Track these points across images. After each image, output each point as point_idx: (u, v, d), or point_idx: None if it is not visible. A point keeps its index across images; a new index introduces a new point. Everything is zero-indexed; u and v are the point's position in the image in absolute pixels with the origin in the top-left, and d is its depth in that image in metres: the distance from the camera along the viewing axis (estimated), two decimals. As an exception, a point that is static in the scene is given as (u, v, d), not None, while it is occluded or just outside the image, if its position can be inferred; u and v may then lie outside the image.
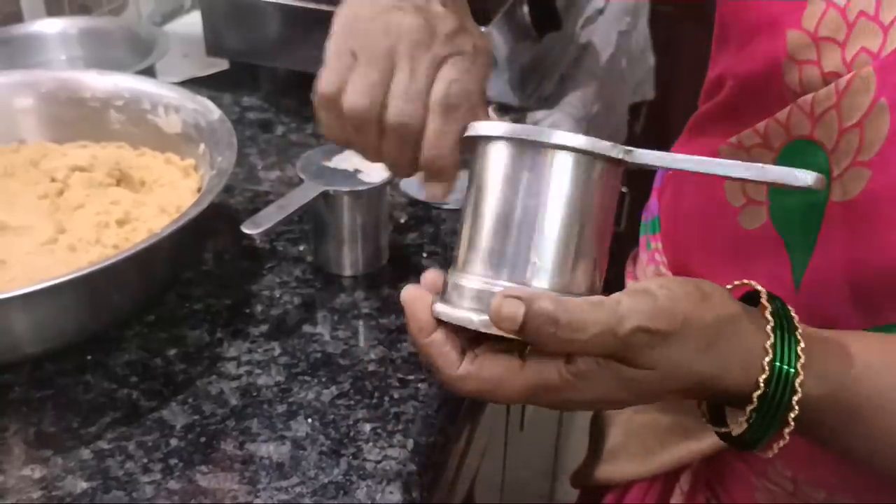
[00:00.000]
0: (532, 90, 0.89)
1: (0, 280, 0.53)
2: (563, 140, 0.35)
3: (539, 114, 0.83)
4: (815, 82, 0.41)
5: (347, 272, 0.64)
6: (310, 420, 0.52)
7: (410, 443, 0.50)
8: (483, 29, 0.79)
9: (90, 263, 0.53)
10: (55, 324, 0.51)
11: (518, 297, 0.33)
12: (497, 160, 0.36)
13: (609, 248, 0.38)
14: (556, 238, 0.35)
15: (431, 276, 0.39)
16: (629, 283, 0.60)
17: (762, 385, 0.35)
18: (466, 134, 0.39)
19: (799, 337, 0.36)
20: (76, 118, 0.69)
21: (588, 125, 0.90)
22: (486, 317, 0.35)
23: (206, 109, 0.65)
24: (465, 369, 0.36)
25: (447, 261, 0.66)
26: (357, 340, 0.58)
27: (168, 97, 0.68)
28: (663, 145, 0.43)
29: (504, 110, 0.83)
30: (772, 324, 0.36)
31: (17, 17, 0.86)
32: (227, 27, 0.88)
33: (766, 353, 0.35)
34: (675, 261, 0.55)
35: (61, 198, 0.61)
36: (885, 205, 0.39)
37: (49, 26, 0.85)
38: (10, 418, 0.51)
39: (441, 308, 0.37)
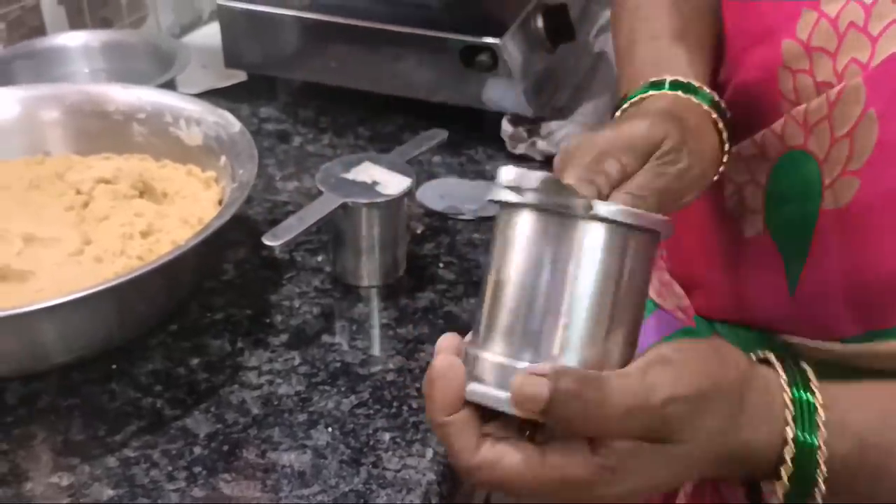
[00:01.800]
0: (546, 100, 0.90)
1: (28, 291, 0.54)
2: (599, 212, 0.32)
3: (553, 124, 0.84)
4: (809, 91, 0.42)
5: (365, 283, 0.65)
6: (330, 429, 0.53)
7: (429, 452, 0.51)
8: (498, 41, 0.81)
9: (116, 274, 0.54)
10: (82, 334, 0.53)
11: (542, 375, 0.31)
12: (522, 229, 0.33)
13: (642, 315, 0.35)
14: (588, 312, 0.32)
15: (452, 341, 0.35)
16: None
17: (789, 461, 0.34)
18: (489, 197, 0.35)
19: (815, 390, 0.34)
20: (100, 131, 0.71)
21: (602, 135, 0.91)
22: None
23: (227, 122, 0.67)
24: (483, 457, 0.32)
25: (463, 271, 0.67)
26: (375, 350, 0.59)
27: (189, 110, 0.69)
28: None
29: (518, 121, 0.84)
30: (785, 378, 0.35)
31: (41, 31, 0.88)
32: (245, 40, 0.89)
33: (787, 408, 0.34)
34: (677, 268, 0.56)
35: (87, 209, 0.62)
36: (875, 213, 0.40)
37: (72, 39, 0.87)
38: (39, 426, 0.52)
39: (474, 387, 0.33)
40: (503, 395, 0.32)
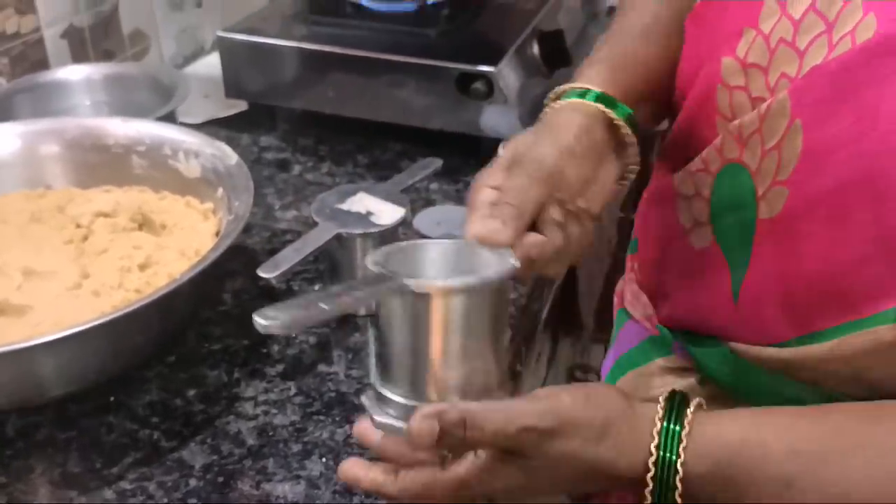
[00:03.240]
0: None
1: (27, 325, 0.55)
2: (421, 286, 0.38)
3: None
4: (745, 107, 0.44)
5: (361, 312, 0.65)
6: (324, 459, 0.53)
7: (422, 482, 0.51)
8: (493, 69, 0.82)
9: (113, 308, 0.55)
10: (80, 367, 0.53)
11: (430, 416, 0.38)
12: (386, 300, 0.40)
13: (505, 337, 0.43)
14: (454, 357, 0.40)
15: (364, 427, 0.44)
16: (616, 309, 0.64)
17: (651, 467, 0.40)
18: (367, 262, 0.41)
19: (686, 423, 0.40)
20: (100, 164, 0.72)
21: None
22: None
23: (224, 154, 0.68)
24: (397, 486, 0.41)
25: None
26: (371, 379, 0.59)
27: (188, 142, 0.70)
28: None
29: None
30: (660, 413, 0.40)
31: (44, 65, 0.89)
32: (245, 70, 0.91)
33: (653, 439, 0.40)
34: (644, 279, 0.59)
35: (86, 243, 0.63)
36: (803, 220, 0.41)
37: (74, 73, 0.88)
38: (37, 459, 0.53)
39: (383, 420, 0.41)
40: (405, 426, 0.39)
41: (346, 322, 0.65)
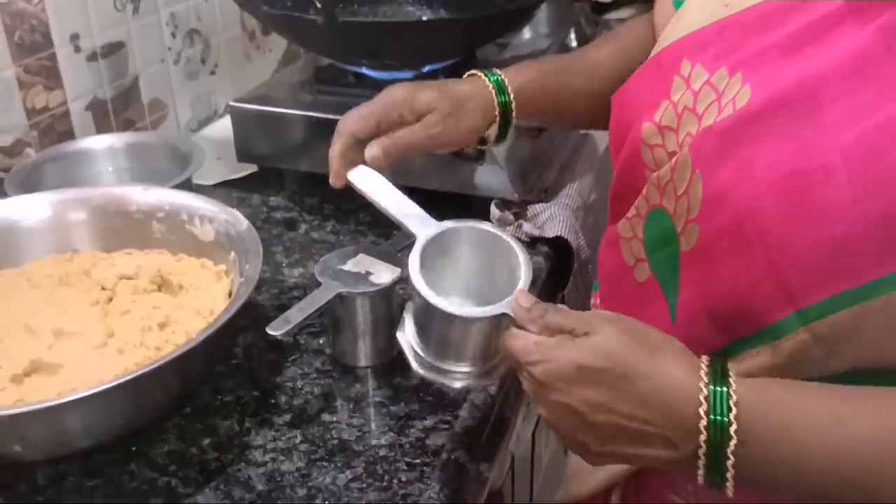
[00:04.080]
0: (533, 183, 0.96)
1: (57, 382, 0.61)
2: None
3: (538, 206, 0.91)
4: (664, 160, 0.54)
5: (362, 363, 0.70)
6: (327, 503, 0.58)
7: (416, 522, 0.56)
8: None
9: (136, 365, 0.61)
10: (105, 421, 0.59)
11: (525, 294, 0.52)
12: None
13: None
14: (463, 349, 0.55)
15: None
16: None
17: (703, 415, 0.44)
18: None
19: (731, 381, 0.45)
20: (123, 229, 0.78)
21: (587, 213, 0.97)
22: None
23: (236, 220, 0.74)
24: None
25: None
26: (370, 427, 0.64)
27: (203, 209, 0.76)
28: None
29: (505, 205, 0.90)
30: (705, 366, 0.46)
31: (70, 135, 0.96)
32: (255, 136, 0.98)
33: (701, 368, 0.46)
34: (605, 308, 0.66)
35: (110, 304, 0.69)
36: (713, 250, 0.50)
37: (98, 142, 0.95)
38: (66, 505, 0.58)
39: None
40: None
41: (348, 373, 0.70)
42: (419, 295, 0.53)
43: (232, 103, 0.97)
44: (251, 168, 1.03)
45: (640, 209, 0.57)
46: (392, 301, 0.70)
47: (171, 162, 0.94)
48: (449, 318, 0.52)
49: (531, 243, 0.89)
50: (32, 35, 0.89)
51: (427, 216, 0.60)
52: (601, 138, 1.13)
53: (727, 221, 0.48)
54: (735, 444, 0.43)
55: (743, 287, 0.48)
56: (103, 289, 0.70)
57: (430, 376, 0.56)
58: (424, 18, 0.98)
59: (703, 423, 0.44)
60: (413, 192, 0.76)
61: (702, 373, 0.45)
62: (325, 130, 0.95)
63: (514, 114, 0.73)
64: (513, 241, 0.56)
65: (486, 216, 0.90)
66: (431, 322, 0.54)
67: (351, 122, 0.69)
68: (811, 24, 0.48)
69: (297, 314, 0.65)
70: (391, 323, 0.71)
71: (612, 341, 0.46)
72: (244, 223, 0.73)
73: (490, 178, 0.90)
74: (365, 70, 0.98)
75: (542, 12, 1.35)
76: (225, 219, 0.75)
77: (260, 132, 0.97)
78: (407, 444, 0.62)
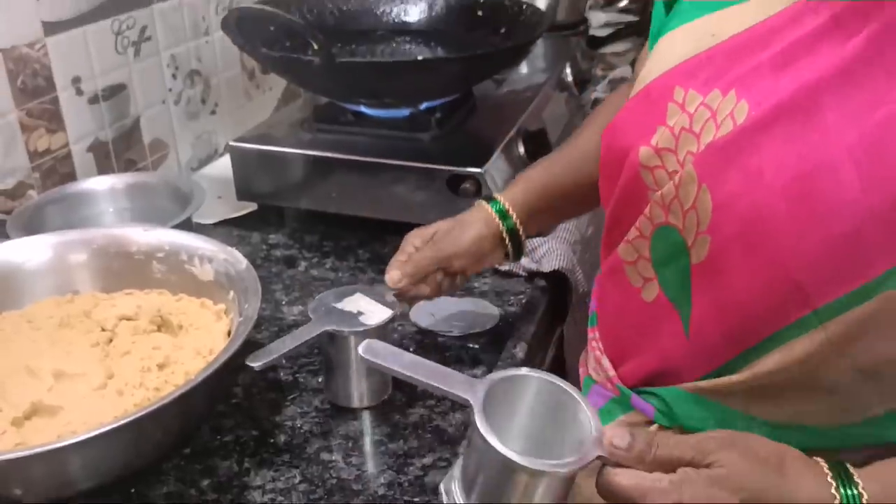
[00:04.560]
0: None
1: (58, 424, 0.61)
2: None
3: (535, 241, 0.91)
4: (664, 179, 0.55)
5: (356, 404, 0.70)
6: (326, 543, 0.58)
7: (416, 562, 0.56)
8: (480, 170, 0.89)
9: (136, 406, 0.61)
10: (106, 463, 0.59)
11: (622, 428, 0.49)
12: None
13: None
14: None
15: None
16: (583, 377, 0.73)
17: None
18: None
19: (857, 480, 0.47)
20: (123, 269, 0.79)
21: (584, 247, 0.98)
22: None
23: (236, 260, 0.74)
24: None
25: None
26: (369, 466, 0.64)
27: (203, 249, 0.77)
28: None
29: (503, 240, 0.91)
30: (828, 471, 0.47)
31: (72, 177, 0.98)
32: (254, 175, 0.99)
33: (827, 473, 0.47)
34: (607, 345, 0.66)
35: (110, 345, 0.69)
36: (725, 258, 0.51)
37: (99, 183, 0.96)
38: (65, 549, 0.58)
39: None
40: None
41: (347, 411, 0.70)
42: (483, 441, 0.47)
43: (231, 143, 0.98)
44: (251, 206, 1.04)
45: (644, 230, 0.58)
46: (385, 341, 0.70)
47: (172, 201, 0.95)
48: (512, 467, 0.46)
49: (529, 277, 0.89)
50: (35, 79, 0.91)
51: (465, 376, 0.53)
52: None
53: (737, 229, 0.50)
54: None
55: (756, 293, 0.50)
56: (103, 330, 0.71)
57: None
58: (421, 58, 0.99)
59: None
60: (411, 228, 0.79)
61: (828, 478, 0.47)
62: (324, 168, 0.96)
63: (521, 231, 0.76)
64: (567, 386, 0.51)
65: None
66: (490, 468, 0.48)
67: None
68: (799, 40, 0.50)
69: (278, 346, 0.65)
70: None
71: (741, 471, 0.46)
72: (243, 262, 0.74)
73: (487, 213, 0.91)
74: (363, 108, 1.00)
75: (539, 48, 1.38)
76: (224, 258, 0.75)
77: (259, 171, 0.99)
78: (406, 483, 0.62)
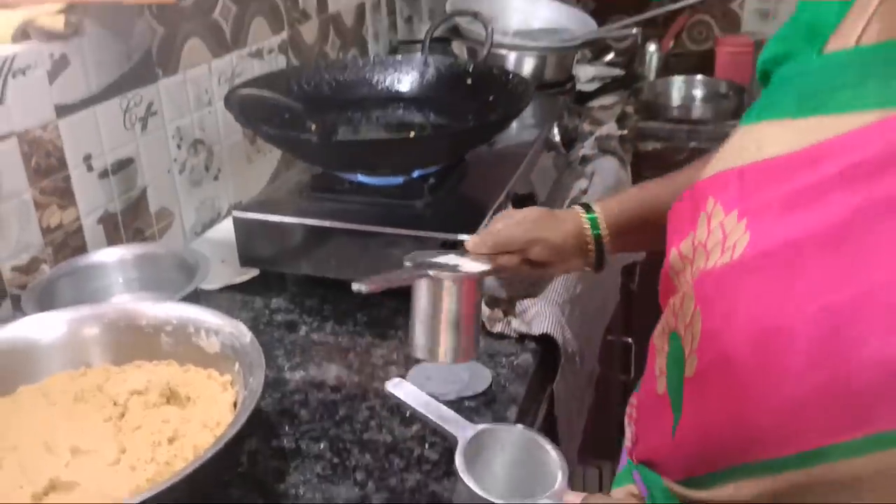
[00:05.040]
0: (521, 279, 1.02)
1: (75, 499, 0.65)
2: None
3: (526, 302, 0.96)
4: (681, 286, 0.58)
5: (441, 358, 0.73)
6: None
7: None
8: (471, 237, 0.94)
9: (148, 482, 0.65)
10: (120, 537, 0.62)
11: None
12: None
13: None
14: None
15: None
16: None
17: None
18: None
19: None
20: (133, 342, 0.83)
21: (573, 305, 1.02)
22: None
23: (240, 333, 0.79)
24: None
25: (445, 450, 0.76)
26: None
27: (209, 322, 0.81)
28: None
29: (495, 303, 0.95)
30: None
31: (83, 249, 1.02)
32: (257, 243, 1.03)
33: None
34: (632, 415, 0.70)
35: (123, 420, 0.73)
36: (707, 381, 0.53)
37: (108, 255, 1.01)
38: None
39: None
40: None
41: (346, 478, 0.74)
42: (465, 487, 0.59)
43: (234, 213, 1.03)
44: (254, 272, 1.08)
45: (665, 328, 0.61)
46: (477, 295, 0.73)
47: (179, 271, 0.99)
48: None
49: (520, 339, 0.93)
50: (48, 159, 0.96)
51: (461, 419, 0.68)
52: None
53: (717, 360, 0.51)
54: None
55: (721, 425, 0.52)
56: (115, 404, 0.75)
57: None
58: (413, 135, 1.04)
59: None
60: (407, 292, 0.84)
61: None
62: (322, 236, 1.01)
63: (607, 244, 0.80)
64: (542, 439, 0.64)
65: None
66: None
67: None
68: (810, 187, 0.49)
69: (380, 280, 0.71)
70: (476, 319, 0.74)
71: None
72: (247, 335, 0.78)
73: (479, 277, 0.95)
74: (360, 177, 1.05)
75: (528, 107, 1.43)
76: (230, 331, 0.80)
77: (261, 238, 1.03)
78: (404, 549, 0.66)
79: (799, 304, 0.46)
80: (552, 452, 0.62)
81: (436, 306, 0.71)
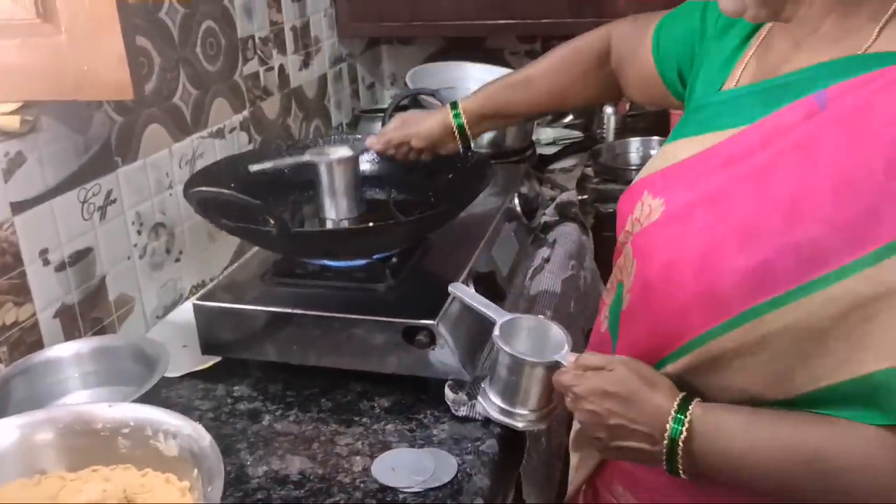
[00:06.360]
0: (485, 357, 1.01)
1: None
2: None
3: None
4: (628, 249, 0.81)
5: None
6: None
7: None
8: (432, 321, 0.94)
9: None
10: None
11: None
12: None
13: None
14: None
15: None
16: None
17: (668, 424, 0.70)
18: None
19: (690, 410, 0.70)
20: (89, 446, 0.81)
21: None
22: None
23: (199, 436, 0.77)
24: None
25: None
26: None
27: (167, 424, 0.80)
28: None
29: (459, 386, 0.95)
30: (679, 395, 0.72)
31: (39, 345, 1.00)
32: (218, 330, 1.03)
33: (676, 401, 0.71)
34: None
35: (77, 534, 0.71)
36: (635, 309, 0.78)
37: (64, 350, 0.99)
38: None
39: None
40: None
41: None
42: (502, 352, 0.80)
43: (195, 302, 1.02)
44: (216, 358, 1.07)
45: (613, 283, 0.85)
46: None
47: (137, 363, 0.97)
48: (520, 362, 0.79)
49: (485, 422, 0.93)
50: (3, 257, 0.95)
51: (500, 308, 0.87)
52: (552, 297, 1.20)
53: (640, 288, 0.76)
54: (683, 439, 0.69)
55: (643, 334, 0.76)
56: (70, 518, 0.72)
57: (501, 419, 0.82)
58: (371, 224, 1.05)
59: (668, 426, 0.69)
60: (372, 377, 0.84)
61: (675, 401, 0.70)
62: (284, 322, 1.00)
63: (468, 131, 1.14)
64: (554, 324, 0.85)
65: (441, 396, 0.95)
66: (507, 370, 0.80)
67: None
68: (703, 173, 0.75)
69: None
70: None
71: (623, 376, 0.72)
72: (206, 438, 0.76)
73: (442, 361, 0.95)
74: (322, 260, 1.05)
75: (488, 177, 1.45)
76: (188, 434, 0.78)
77: (223, 326, 1.02)
78: None
79: (689, 243, 0.71)
80: (560, 333, 0.83)
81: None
